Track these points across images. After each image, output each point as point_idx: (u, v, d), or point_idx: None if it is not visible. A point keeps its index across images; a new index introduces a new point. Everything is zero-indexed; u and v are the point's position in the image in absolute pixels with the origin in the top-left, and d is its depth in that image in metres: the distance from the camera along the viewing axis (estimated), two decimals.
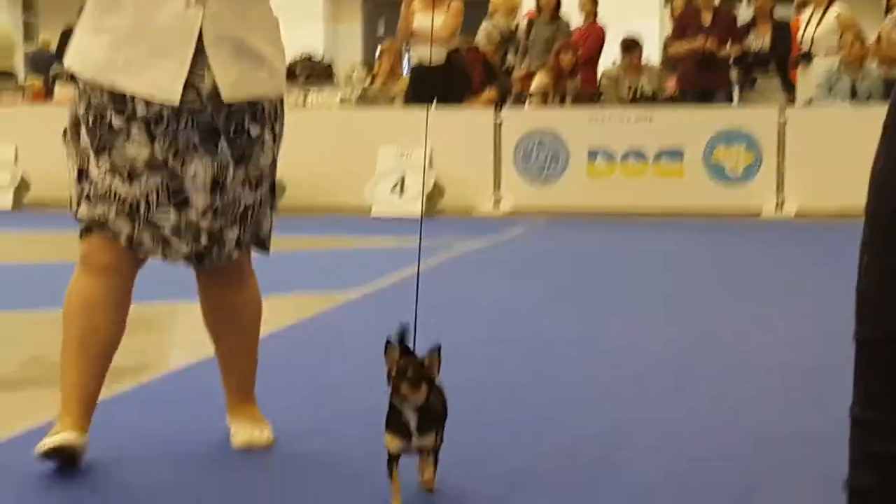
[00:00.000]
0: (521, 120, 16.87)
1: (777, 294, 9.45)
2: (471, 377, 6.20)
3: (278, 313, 8.34)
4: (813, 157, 15.83)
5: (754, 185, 16.17)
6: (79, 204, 4.47)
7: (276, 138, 4.66)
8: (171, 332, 8.22)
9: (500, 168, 16.61)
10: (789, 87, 17.60)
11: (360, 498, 4.12)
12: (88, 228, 4.47)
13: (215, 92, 4.34)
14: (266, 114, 4.53)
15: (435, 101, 17.61)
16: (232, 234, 4.55)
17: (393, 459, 3.90)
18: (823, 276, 10.14)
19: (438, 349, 3.89)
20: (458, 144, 16.33)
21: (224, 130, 4.39)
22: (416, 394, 3.80)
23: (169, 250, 4.50)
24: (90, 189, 4.43)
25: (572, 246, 13.12)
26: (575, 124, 16.61)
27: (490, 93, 17.64)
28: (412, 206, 15.80)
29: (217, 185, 4.42)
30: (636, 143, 16.40)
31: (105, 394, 5.59)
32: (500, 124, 16.63)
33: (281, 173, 17.23)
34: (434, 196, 16.02)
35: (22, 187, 17.06)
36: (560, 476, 4.53)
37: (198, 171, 4.38)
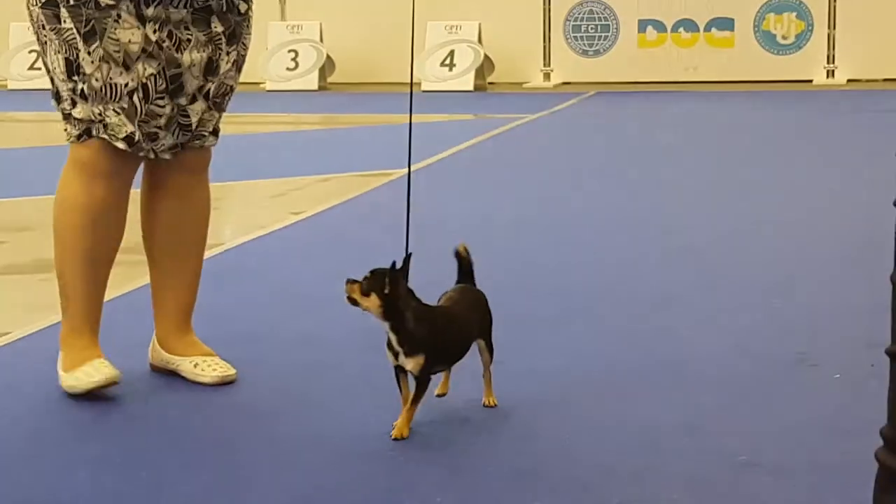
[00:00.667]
0: None
1: (824, 165, 9.41)
2: (523, 252, 6.26)
3: (330, 190, 8.39)
4: (865, 23, 15.62)
5: (805, 53, 16.01)
6: (73, 104, 4.03)
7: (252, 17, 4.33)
8: (220, 211, 8.28)
9: (549, 41, 16.50)
10: None
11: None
12: (87, 131, 4.03)
13: None
14: None
15: None
16: (212, 118, 4.21)
17: (395, 371, 3.70)
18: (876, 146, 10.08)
19: (407, 259, 3.68)
20: (506, 17, 16.22)
21: (216, 7, 4.09)
22: (365, 301, 3.61)
23: (156, 144, 4.09)
24: (84, 84, 3.99)
25: (622, 118, 13.07)
26: None
27: None
28: (462, 80, 15.74)
29: (211, 65, 4.11)
30: (686, 13, 16.23)
31: None
32: None
33: (329, 50, 17.24)
34: (484, 70, 15.95)
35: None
36: (617, 347, 4.59)
37: (194, 58, 4.05)
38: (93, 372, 4.05)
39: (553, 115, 13.08)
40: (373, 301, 3.63)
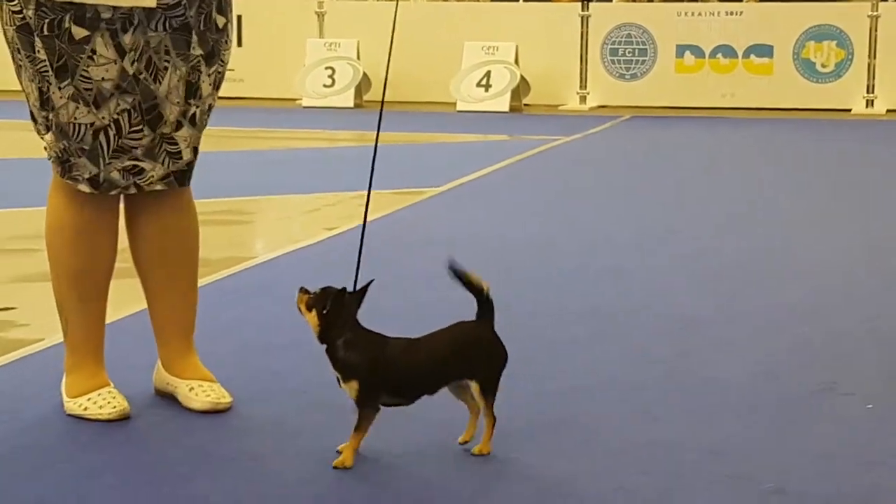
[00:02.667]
0: (608, 14, 16.73)
1: (858, 193, 9.38)
2: (551, 273, 6.27)
3: (363, 208, 8.41)
4: None
5: (845, 82, 15.97)
6: (46, 131, 3.94)
7: (233, 29, 4.16)
8: (254, 225, 8.32)
9: (586, 64, 16.50)
10: None
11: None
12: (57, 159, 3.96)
13: None
14: (227, 2, 4.07)
15: None
16: (191, 137, 4.05)
17: None
18: None
19: (365, 286, 3.68)
20: (544, 39, 16.25)
21: (194, 24, 3.92)
22: (307, 315, 3.61)
23: (142, 178, 3.97)
24: (53, 118, 3.89)
25: (656, 143, 13.06)
26: (663, 19, 16.45)
27: None
28: (498, 101, 15.77)
29: (191, 89, 3.97)
30: (725, 39, 16.22)
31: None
32: (587, 18, 16.49)
33: (366, 67, 17.29)
34: (520, 91, 15.97)
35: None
36: (644, 369, 4.59)
37: (171, 84, 3.91)
38: (103, 403, 4.01)
39: (588, 137, 13.09)
40: (312, 318, 3.62)
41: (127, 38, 3.82)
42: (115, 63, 3.82)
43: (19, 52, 3.89)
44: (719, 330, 5.22)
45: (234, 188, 9.10)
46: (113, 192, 3.97)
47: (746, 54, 16.19)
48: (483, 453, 3.69)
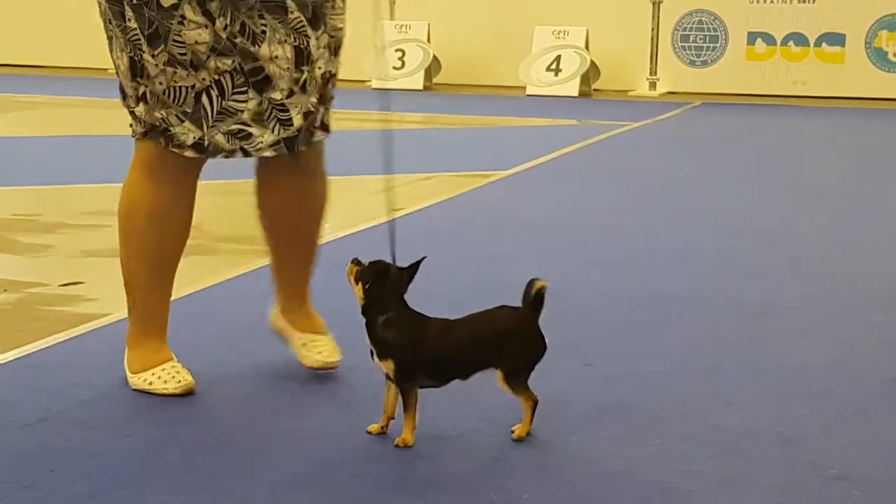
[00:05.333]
0: (680, 1, 16.60)
1: None
2: (621, 257, 6.23)
3: (430, 189, 8.41)
4: None
5: None
6: (136, 103, 3.92)
7: None
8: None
9: (656, 50, 16.40)
10: None
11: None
12: (152, 131, 3.93)
13: None
14: None
15: None
16: (317, 111, 4.01)
17: (385, 377, 3.65)
18: None
19: (415, 263, 3.65)
20: (614, 25, 16.17)
21: None
22: (355, 288, 3.61)
23: (250, 143, 3.92)
24: (147, 88, 3.87)
25: (727, 130, 12.96)
26: (735, 6, 16.31)
27: None
28: (568, 85, 15.71)
29: (301, 55, 3.89)
30: (797, 27, 16.07)
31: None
32: (659, 4, 16.38)
33: (436, 50, 17.30)
34: (589, 76, 15.91)
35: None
36: (714, 354, 4.55)
37: (276, 50, 3.84)
38: (167, 378, 4.03)
39: (657, 123, 13.01)
40: (358, 291, 3.62)
41: (213, 5, 3.77)
42: (207, 27, 3.78)
43: (111, 23, 3.89)
44: (792, 316, 5.17)
45: None
46: (219, 156, 3.95)
47: (818, 42, 16.03)
48: (521, 437, 3.63)
